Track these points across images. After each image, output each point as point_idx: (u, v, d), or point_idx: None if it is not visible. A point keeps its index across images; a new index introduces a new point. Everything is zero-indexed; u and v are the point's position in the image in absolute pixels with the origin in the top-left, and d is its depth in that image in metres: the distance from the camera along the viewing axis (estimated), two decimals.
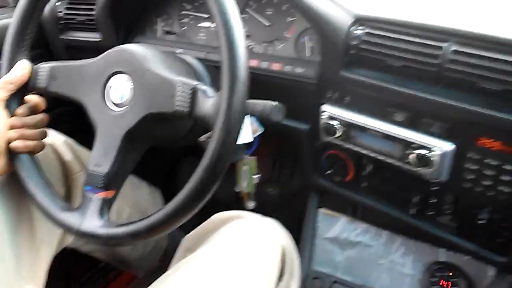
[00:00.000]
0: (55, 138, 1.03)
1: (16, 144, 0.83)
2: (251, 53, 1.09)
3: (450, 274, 1.04)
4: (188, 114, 0.73)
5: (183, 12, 1.20)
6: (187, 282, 0.76)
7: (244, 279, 0.79)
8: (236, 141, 0.70)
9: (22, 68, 0.86)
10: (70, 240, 1.03)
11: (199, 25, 1.17)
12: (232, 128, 0.68)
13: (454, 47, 0.79)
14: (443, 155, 0.86)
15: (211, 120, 0.70)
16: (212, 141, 0.69)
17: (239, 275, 0.79)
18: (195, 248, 0.84)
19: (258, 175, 1.09)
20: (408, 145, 0.89)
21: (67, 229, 0.78)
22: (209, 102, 0.72)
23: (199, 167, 0.70)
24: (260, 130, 0.99)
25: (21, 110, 0.85)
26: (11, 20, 0.88)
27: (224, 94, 0.68)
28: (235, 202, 1.20)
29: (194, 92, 0.73)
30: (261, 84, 1.02)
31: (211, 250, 0.82)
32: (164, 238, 1.33)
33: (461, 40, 0.80)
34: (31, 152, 0.85)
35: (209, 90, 0.74)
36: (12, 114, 0.85)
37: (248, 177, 1.07)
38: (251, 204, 1.14)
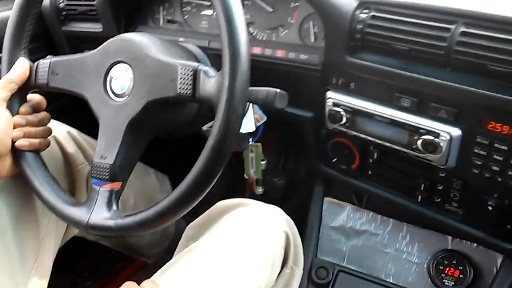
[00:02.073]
0: (58, 129, 1.02)
1: (21, 142, 0.82)
2: (254, 40, 1.08)
3: (457, 262, 1.03)
4: (191, 96, 0.72)
5: (185, 0, 1.18)
6: (191, 270, 0.76)
7: (248, 266, 0.79)
8: (240, 120, 0.69)
9: (21, 66, 0.85)
10: (75, 232, 1.03)
11: (202, 13, 1.16)
12: (236, 105, 0.67)
13: (463, 29, 0.78)
14: (451, 140, 0.85)
15: (214, 100, 0.69)
16: (216, 121, 0.68)
17: (243, 263, 0.79)
18: (198, 236, 0.84)
19: (264, 161, 1.08)
20: (415, 131, 0.88)
21: (76, 223, 0.78)
22: (211, 81, 0.71)
23: (204, 149, 0.69)
24: (264, 119, 0.99)
25: (24, 108, 0.85)
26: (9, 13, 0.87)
27: (226, 71, 0.67)
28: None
29: (195, 73, 0.72)
30: (265, 71, 1.01)
31: (214, 238, 0.82)
32: (172, 225, 1.33)
33: (470, 21, 0.78)
34: (37, 150, 0.85)
35: (211, 70, 0.73)
36: (15, 113, 0.84)
37: (255, 163, 1.07)
38: (259, 190, 1.14)
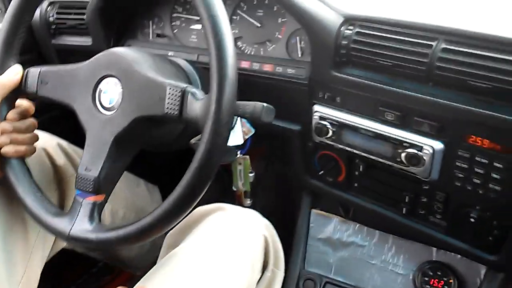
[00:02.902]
0: (48, 141, 1.02)
1: (7, 149, 0.82)
2: (242, 55, 1.10)
3: (442, 273, 1.05)
4: (178, 117, 0.73)
5: (175, 15, 1.20)
6: (171, 278, 0.76)
7: (227, 270, 0.79)
8: (226, 142, 0.70)
9: (15, 73, 0.85)
10: (63, 244, 1.03)
11: (191, 27, 1.18)
12: (222, 129, 0.68)
13: (444, 45, 0.80)
14: (434, 154, 0.86)
15: (200, 122, 0.70)
16: (201, 143, 0.69)
17: (222, 267, 0.79)
18: (178, 243, 0.84)
19: (252, 174, 1.10)
20: (399, 144, 0.90)
21: (58, 234, 0.78)
22: (199, 104, 0.72)
23: (188, 169, 0.70)
24: (252, 132, 1.00)
25: (11, 114, 0.84)
26: (0, 26, 0.88)
27: (213, 96, 0.68)
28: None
29: (183, 94, 0.73)
30: (253, 85, 1.03)
31: (193, 244, 0.82)
32: (161, 237, 1.33)
33: (451, 38, 0.80)
34: (22, 157, 0.85)
35: (199, 92, 0.74)
36: (2, 119, 0.84)
37: (243, 176, 1.08)
38: (248, 202, 1.15)
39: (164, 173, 1.34)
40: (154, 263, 0.84)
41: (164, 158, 1.47)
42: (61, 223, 0.78)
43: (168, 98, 0.73)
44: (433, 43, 0.81)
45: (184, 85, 0.74)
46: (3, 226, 0.88)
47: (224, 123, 0.69)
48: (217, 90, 0.68)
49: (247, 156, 1.06)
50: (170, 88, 0.74)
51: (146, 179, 1.34)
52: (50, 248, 0.99)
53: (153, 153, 1.05)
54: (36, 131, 0.88)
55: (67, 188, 1.02)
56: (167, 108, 0.73)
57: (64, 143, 1.06)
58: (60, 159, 1.02)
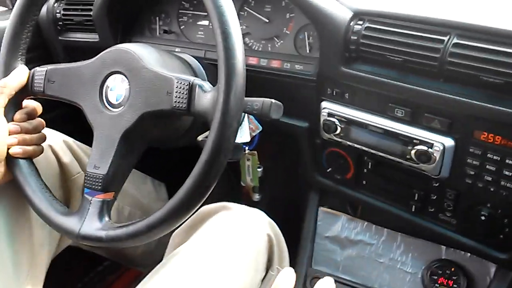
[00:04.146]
0: (53, 138, 1.02)
1: (15, 150, 0.82)
2: (250, 51, 1.09)
3: (451, 271, 1.04)
4: (186, 110, 0.73)
5: (182, 11, 1.19)
6: (175, 277, 0.76)
7: (229, 270, 0.78)
8: (235, 135, 0.70)
9: (21, 73, 0.85)
10: (69, 242, 1.03)
11: (198, 23, 1.17)
12: (230, 121, 0.68)
13: (456, 40, 0.79)
14: (444, 151, 0.85)
15: (209, 115, 0.70)
16: (210, 135, 0.68)
17: (224, 266, 0.78)
18: (182, 243, 0.84)
19: (261, 169, 1.09)
20: (409, 141, 0.89)
21: (67, 233, 0.78)
22: (207, 96, 0.71)
23: (198, 163, 0.69)
24: (259, 129, 0.99)
25: (19, 115, 0.85)
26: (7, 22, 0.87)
27: (221, 88, 0.68)
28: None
29: (191, 87, 0.72)
30: (260, 81, 1.02)
31: (196, 243, 0.82)
32: (167, 235, 1.33)
33: (463, 32, 0.79)
34: (30, 157, 0.85)
35: (207, 85, 0.73)
36: (10, 120, 0.84)
37: (252, 171, 1.08)
38: (257, 196, 1.15)
39: (171, 170, 1.34)
40: (161, 261, 0.84)
41: (172, 155, 1.46)
42: (70, 222, 0.77)
43: (176, 92, 0.73)
44: (445, 38, 0.80)
45: (191, 78, 0.74)
46: (8, 225, 0.88)
47: (233, 114, 0.68)
48: (225, 81, 0.68)
49: (255, 152, 1.05)
50: (177, 82, 0.73)
51: (153, 176, 1.34)
52: (55, 247, 0.98)
53: (161, 150, 1.04)
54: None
55: (72, 185, 1.02)
56: (175, 102, 0.73)
57: (70, 140, 1.06)
58: (66, 157, 1.01)
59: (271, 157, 1.17)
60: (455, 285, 1.03)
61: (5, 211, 0.88)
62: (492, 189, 0.85)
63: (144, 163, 0.88)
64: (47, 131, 0.89)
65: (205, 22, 1.16)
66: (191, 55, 1.03)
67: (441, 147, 0.85)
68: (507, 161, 0.81)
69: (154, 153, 0.98)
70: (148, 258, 1.31)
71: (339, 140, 0.99)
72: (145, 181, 1.31)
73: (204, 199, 0.71)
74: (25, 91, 0.86)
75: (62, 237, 0.99)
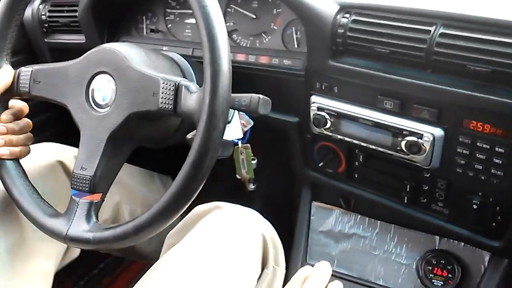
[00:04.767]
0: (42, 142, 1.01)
1: (2, 151, 0.81)
2: (238, 48, 1.09)
3: (445, 261, 1.04)
4: (173, 111, 0.72)
5: (169, 10, 1.19)
6: (169, 277, 0.75)
7: (224, 269, 0.78)
8: (221, 135, 0.69)
9: (6, 73, 0.84)
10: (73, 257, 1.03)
11: (185, 21, 1.16)
12: (216, 122, 0.67)
13: (442, 30, 0.79)
14: (434, 141, 0.86)
15: (195, 116, 0.69)
16: (196, 137, 0.68)
17: (219, 266, 0.78)
18: (177, 243, 0.83)
19: (255, 161, 1.09)
20: (399, 132, 0.89)
21: (55, 234, 0.77)
22: (193, 97, 0.71)
23: (185, 164, 0.69)
24: (251, 123, 0.99)
25: (5, 116, 0.84)
26: None
27: (207, 89, 0.67)
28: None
29: (177, 88, 0.72)
30: (249, 78, 1.02)
31: (190, 243, 0.81)
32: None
33: (449, 22, 0.79)
34: (17, 158, 0.84)
35: (193, 85, 0.72)
36: None
37: (246, 164, 1.08)
38: (251, 186, 1.16)
39: (175, 162, 1.34)
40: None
41: (174, 148, 1.47)
42: (58, 224, 0.77)
43: (162, 93, 0.72)
44: (431, 28, 0.80)
45: (177, 78, 0.73)
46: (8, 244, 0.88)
47: (219, 115, 0.67)
48: (211, 82, 0.67)
49: (248, 145, 1.05)
50: (163, 83, 0.73)
51: (159, 171, 1.33)
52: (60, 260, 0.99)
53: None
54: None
55: (61, 188, 1.01)
56: (161, 103, 0.72)
57: (57, 144, 1.05)
58: (53, 158, 1.00)
59: (263, 152, 1.17)
60: (449, 275, 1.03)
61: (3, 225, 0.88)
62: (482, 178, 0.86)
63: (149, 159, 0.87)
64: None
65: (192, 20, 1.15)
66: (178, 54, 1.02)
67: (431, 138, 0.85)
68: (496, 149, 0.81)
69: (156, 149, 0.97)
70: (155, 253, 1.30)
71: (330, 134, 0.99)
72: (153, 179, 1.30)
73: (193, 198, 0.71)
74: (11, 92, 0.85)
75: (69, 248, 0.99)
